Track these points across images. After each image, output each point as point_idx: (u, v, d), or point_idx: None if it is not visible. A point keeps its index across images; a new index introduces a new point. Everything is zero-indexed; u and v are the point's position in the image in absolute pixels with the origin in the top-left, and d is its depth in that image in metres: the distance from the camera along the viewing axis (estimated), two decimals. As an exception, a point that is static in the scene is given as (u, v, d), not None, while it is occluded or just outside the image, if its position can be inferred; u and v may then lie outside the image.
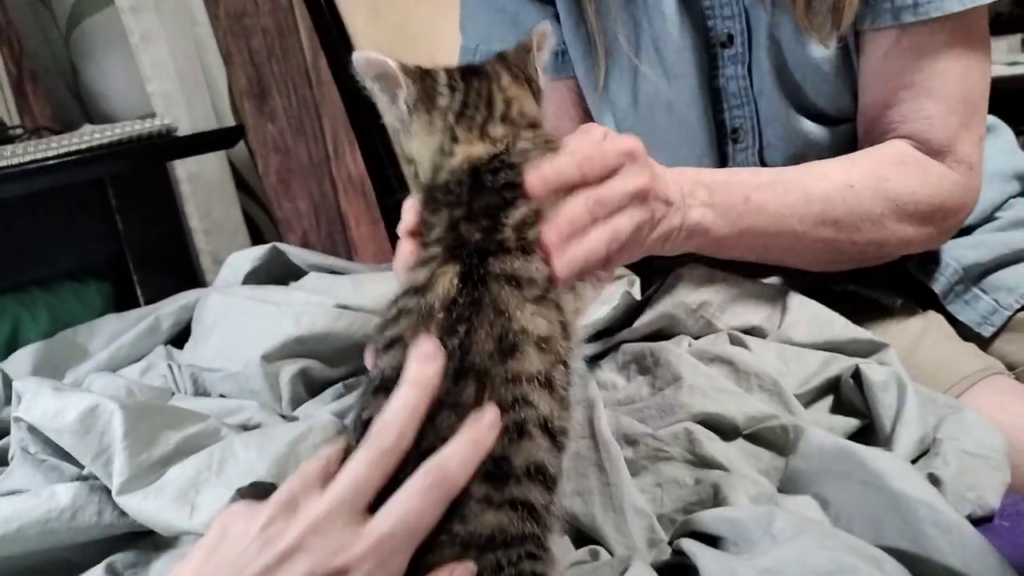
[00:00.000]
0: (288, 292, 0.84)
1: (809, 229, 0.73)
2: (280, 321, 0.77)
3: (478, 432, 0.43)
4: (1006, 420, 0.67)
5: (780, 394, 0.64)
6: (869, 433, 0.63)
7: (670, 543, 0.53)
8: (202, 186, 1.37)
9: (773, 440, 0.60)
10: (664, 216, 0.64)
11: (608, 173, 0.58)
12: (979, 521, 0.54)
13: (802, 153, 0.85)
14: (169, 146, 1.11)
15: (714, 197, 0.68)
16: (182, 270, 1.15)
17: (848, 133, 0.85)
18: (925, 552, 0.47)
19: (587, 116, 0.94)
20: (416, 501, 0.41)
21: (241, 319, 0.80)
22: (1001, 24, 2.23)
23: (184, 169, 1.36)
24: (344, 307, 0.79)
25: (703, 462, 0.59)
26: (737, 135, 0.87)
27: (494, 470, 0.44)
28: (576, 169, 0.56)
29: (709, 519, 0.52)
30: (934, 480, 0.56)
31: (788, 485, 0.57)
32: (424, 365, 0.44)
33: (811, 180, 0.73)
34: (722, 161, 0.88)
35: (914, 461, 0.59)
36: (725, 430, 0.61)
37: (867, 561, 0.43)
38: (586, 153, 0.57)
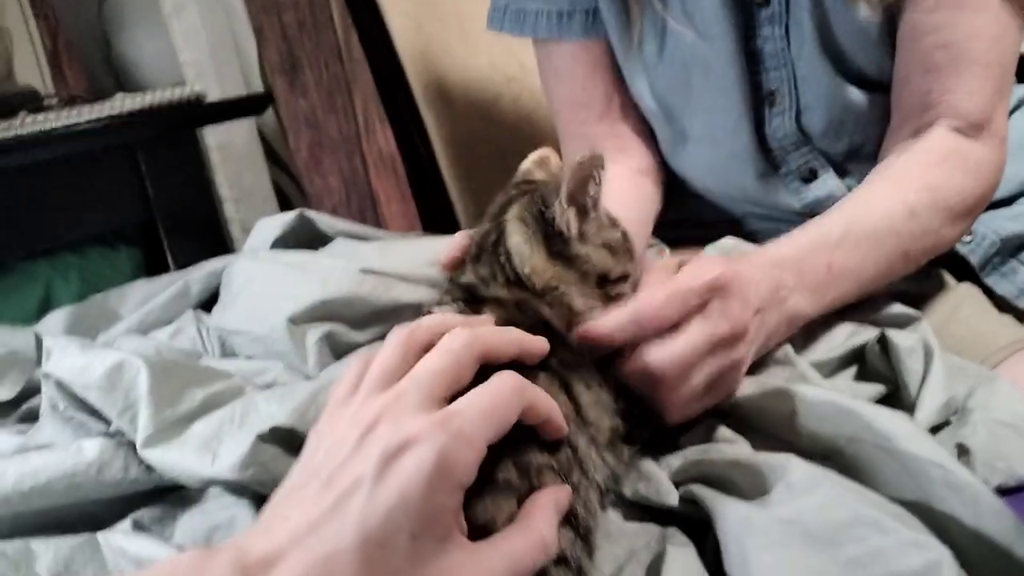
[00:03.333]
0: (315, 257, 0.84)
1: (883, 271, 0.71)
2: (306, 285, 0.77)
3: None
4: (1042, 391, 0.65)
5: (794, 364, 0.63)
6: (895, 400, 0.62)
7: (677, 486, 0.52)
8: (232, 155, 1.38)
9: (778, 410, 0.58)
10: (759, 326, 0.59)
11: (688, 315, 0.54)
12: (1010, 491, 0.53)
13: (840, 119, 0.84)
14: (198, 112, 1.11)
15: (803, 277, 0.64)
16: (212, 237, 1.16)
17: (888, 99, 0.83)
18: (939, 511, 0.45)
19: (619, 79, 0.93)
20: (489, 391, 0.41)
21: (268, 283, 0.81)
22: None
23: (214, 138, 1.37)
24: (369, 271, 0.79)
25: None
26: (773, 98, 0.85)
27: None
28: (637, 328, 0.53)
29: (720, 463, 0.51)
30: (963, 449, 0.55)
31: (797, 451, 0.54)
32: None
33: (875, 219, 0.70)
34: (758, 125, 0.87)
35: (940, 427, 0.58)
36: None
37: (889, 515, 0.42)
38: (654, 303, 0.53)
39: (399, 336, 0.45)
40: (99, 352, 0.64)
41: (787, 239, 0.68)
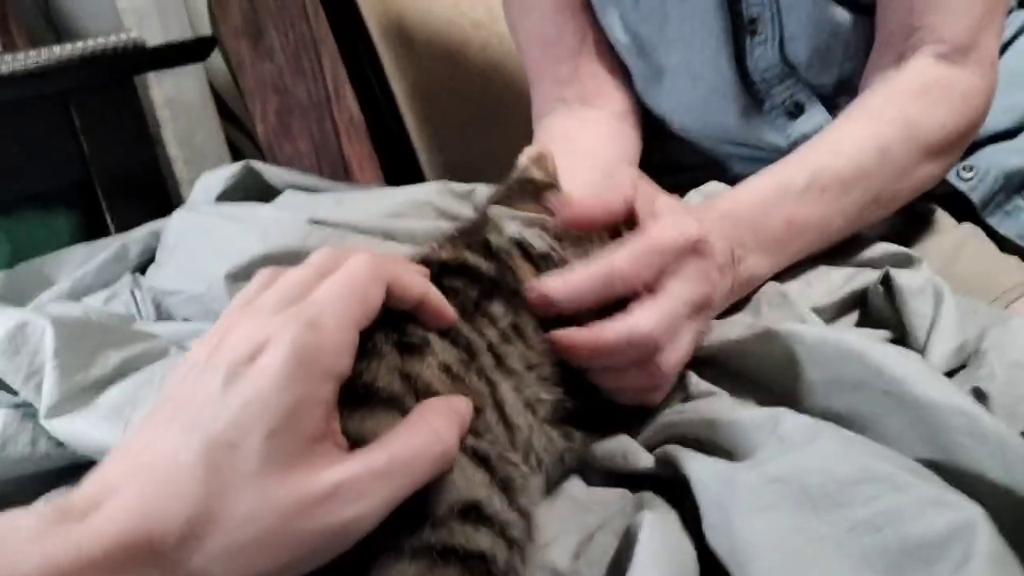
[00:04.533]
0: (256, 208, 0.77)
1: (852, 219, 0.64)
2: (246, 238, 0.70)
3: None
4: (1057, 332, 0.59)
5: (790, 306, 0.56)
6: (900, 346, 0.55)
7: (650, 450, 0.45)
8: (181, 111, 1.29)
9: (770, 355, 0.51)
10: (715, 289, 0.53)
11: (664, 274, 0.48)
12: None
13: (827, 46, 0.77)
14: (134, 58, 1.02)
15: (759, 235, 0.59)
16: (156, 198, 1.07)
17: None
18: (961, 465, 0.39)
19: (592, 13, 0.85)
20: (341, 272, 0.38)
21: (205, 237, 0.74)
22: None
23: (161, 93, 1.28)
24: (319, 222, 0.72)
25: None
26: (755, 25, 0.78)
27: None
28: (604, 287, 0.47)
29: (698, 423, 0.44)
30: (980, 395, 0.48)
31: (791, 401, 0.48)
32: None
33: (842, 161, 0.63)
34: (739, 56, 0.79)
35: (953, 373, 0.52)
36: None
37: (904, 470, 0.35)
38: (630, 259, 0.47)
39: (318, 257, 0.40)
40: (0, 313, 0.56)
41: (745, 188, 0.62)
